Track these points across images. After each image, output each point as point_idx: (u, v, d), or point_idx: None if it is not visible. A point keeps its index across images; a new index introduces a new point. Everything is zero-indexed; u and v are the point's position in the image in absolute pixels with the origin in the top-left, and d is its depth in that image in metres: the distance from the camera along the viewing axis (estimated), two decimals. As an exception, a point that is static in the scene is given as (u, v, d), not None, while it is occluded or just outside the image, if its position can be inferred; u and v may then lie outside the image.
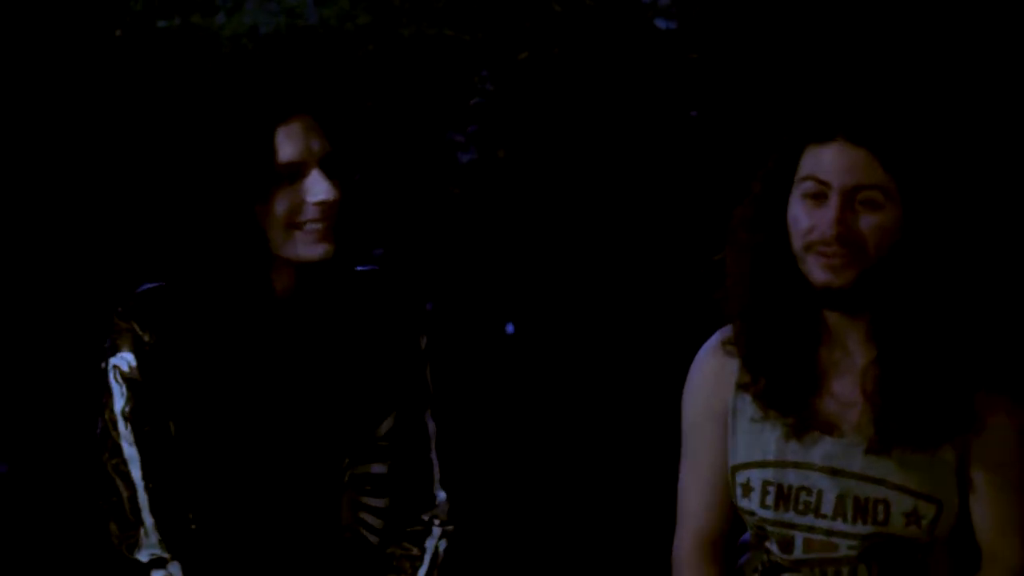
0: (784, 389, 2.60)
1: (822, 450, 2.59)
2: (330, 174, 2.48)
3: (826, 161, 2.52)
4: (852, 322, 2.59)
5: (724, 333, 2.69)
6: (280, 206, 2.46)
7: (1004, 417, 2.56)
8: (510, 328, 4.19)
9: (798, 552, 2.62)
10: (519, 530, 3.95)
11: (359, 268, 2.64)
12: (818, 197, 2.53)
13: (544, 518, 3.95)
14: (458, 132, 4.15)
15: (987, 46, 3.68)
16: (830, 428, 2.60)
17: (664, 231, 4.03)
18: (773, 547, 2.65)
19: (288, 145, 2.45)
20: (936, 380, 2.53)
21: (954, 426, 2.55)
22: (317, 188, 2.46)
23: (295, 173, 2.46)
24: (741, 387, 2.65)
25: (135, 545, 2.51)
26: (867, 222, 2.51)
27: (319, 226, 2.48)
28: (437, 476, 2.68)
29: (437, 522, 2.67)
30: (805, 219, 2.54)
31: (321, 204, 2.46)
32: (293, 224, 2.48)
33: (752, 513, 2.64)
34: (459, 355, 4.05)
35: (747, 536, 2.73)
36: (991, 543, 2.58)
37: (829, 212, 2.51)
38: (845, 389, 2.61)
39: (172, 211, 2.51)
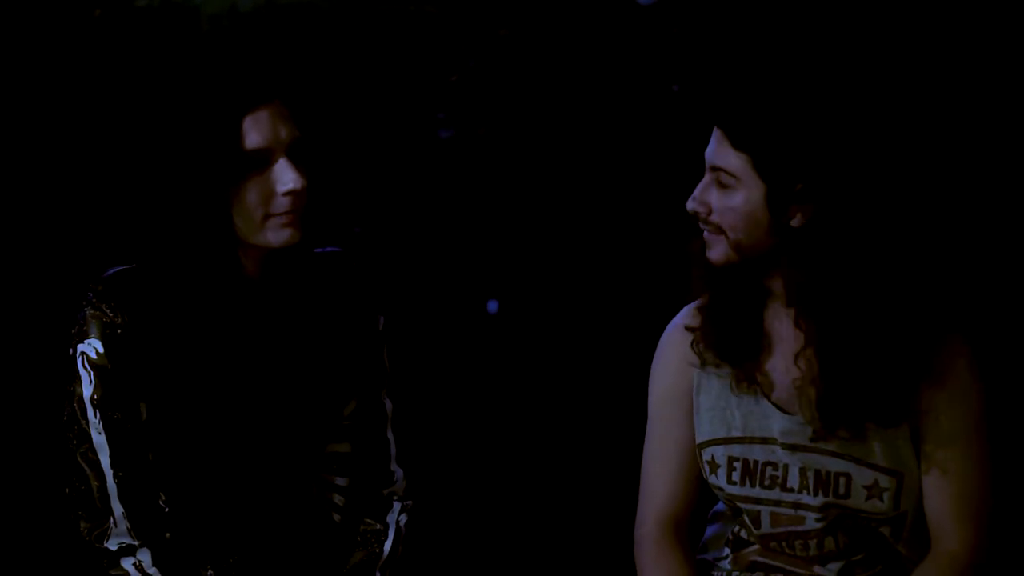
0: (732, 339, 2.59)
1: (780, 426, 2.60)
2: (297, 160, 2.49)
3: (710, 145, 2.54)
4: (782, 309, 2.59)
5: (687, 312, 2.70)
6: (250, 196, 2.47)
7: (952, 389, 2.56)
8: (493, 306, 4.18)
9: (765, 527, 2.63)
10: (499, 512, 3.95)
11: (319, 250, 2.65)
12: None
13: (526, 501, 3.95)
14: (439, 109, 4.14)
15: (850, 22, 3.68)
16: (789, 406, 2.60)
17: (648, 206, 4.02)
18: (746, 519, 2.66)
19: (254, 133, 2.46)
20: (873, 361, 2.52)
21: (899, 401, 2.54)
22: (285, 177, 2.47)
23: (262, 160, 2.47)
24: (687, 328, 2.64)
25: (104, 534, 2.52)
26: (718, 202, 2.52)
27: (287, 214, 2.48)
28: (394, 453, 2.71)
29: (396, 497, 2.70)
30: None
31: (290, 193, 2.47)
32: (263, 213, 2.49)
33: (721, 489, 2.65)
34: (440, 334, 4.04)
35: (720, 506, 2.74)
36: (936, 526, 2.59)
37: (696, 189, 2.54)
38: (791, 367, 2.60)
39: (141, 195, 2.51)
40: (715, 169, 2.51)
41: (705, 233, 2.55)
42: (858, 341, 2.51)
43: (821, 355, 2.54)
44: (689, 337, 2.66)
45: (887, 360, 2.52)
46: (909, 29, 3.71)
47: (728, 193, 2.50)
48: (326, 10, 4.00)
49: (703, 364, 2.64)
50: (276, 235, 2.50)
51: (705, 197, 2.52)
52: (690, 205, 2.53)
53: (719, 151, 2.50)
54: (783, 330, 2.61)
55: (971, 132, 3.68)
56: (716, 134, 2.51)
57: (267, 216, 2.48)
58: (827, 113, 2.47)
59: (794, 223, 2.49)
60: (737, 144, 2.48)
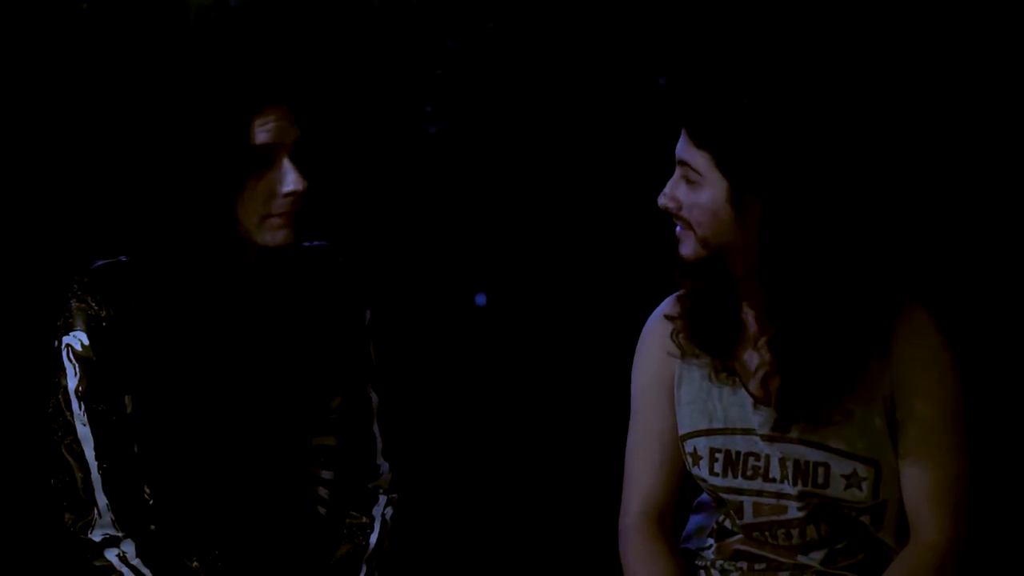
0: (709, 330, 2.60)
1: (760, 417, 2.61)
2: (299, 161, 2.51)
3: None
4: (751, 301, 2.60)
5: (668, 304, 2.71)
6: (253, 195, 2.49)
7: (921, 369, 2.56)
8: (481, 300, 4.18)
9: (748, 517, 2.64)
10: (486, 505, 3.95)
11: (306, 244, 2.66)
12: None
13: (512, 493, 3.96)
14: (427, 103, 4.14)
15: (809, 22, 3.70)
16: (764, 397, 2.61)
17: (635, 198, 4.02)
18: (729, 510, 2.67)
19: (263, 133, 2.48)
20: (818, 350, 2.53)
21: (844, 394, 2.54)
22: (288, 179, 2.49)
23: (267, 160, 2.49)
24: (667, 317, 2.66)
25: (88, 525, 2.52)
26: (687, 197, 2.54)
27: (286, 215, 2.51)
28: (380, 447, 2.71)
29: (382, 491, 2.70)
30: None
31: (291, 194, 2.49)
32: (264, 212, 2.50)
33: (704, 480, 2.66)
34: (428, 327, 4.04)
35: (704, 496, 2.75)
36: (914, 515, 2.59)
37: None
38: (768, 358, 2.61)
39: (143, 189, 2.52)
40: (682, 165, 2.53)
41: (677, 228, 2.56)
42: (805, 331, 2.52)
43: (774, 344, 2.56)
44: (670, 327, 2.67)
45: (836, 348, 2.53)
46: (858, 30, 3.73)
47: (694, 189, 2.52)
48: (319, 6, 3.99)
49: (683, 355, 2.65)
50: (272, 235, 2.51)
51: (675, 193, 2.54)
52: (660, 201, 2.55)
53: (685, 148, 2.52)
54: (756, 322, 2.62)
55: (925, 119, 3.70)
56: (684, 131, 2.53)
57: (267, 216, 2.50)
58: (784, 113, 2.49)
59: (751, 217, 2.51)
60: (699, 142, 2.49)
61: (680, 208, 2.54)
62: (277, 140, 2.49)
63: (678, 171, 2.54)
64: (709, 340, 2.61)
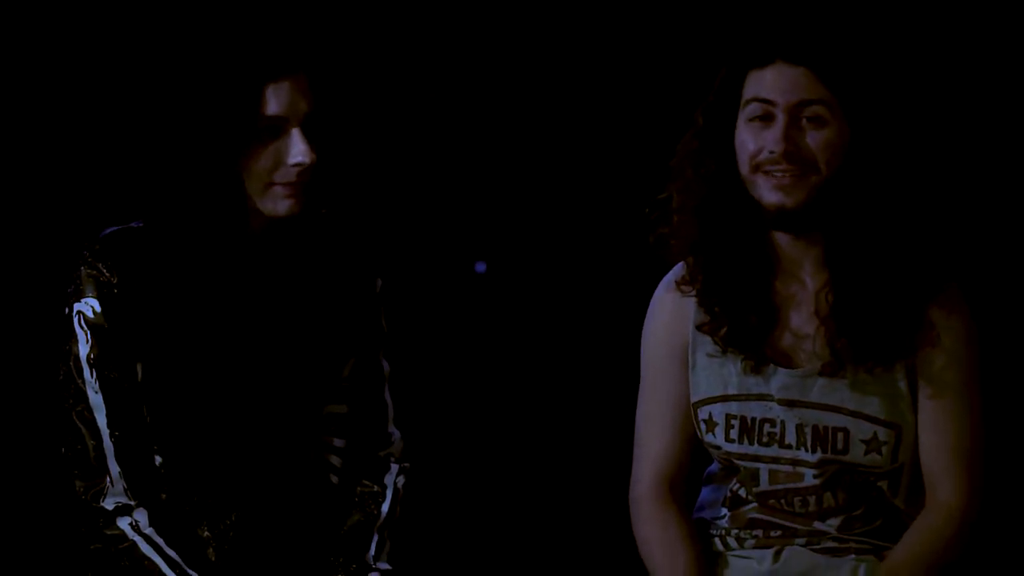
0: (743, 328, 2.61)
1: (779, 382, 2.61)
2: (310, 134, 2.50)
3: (768, 82, 2.55)
4: (806, 249, 2.62)
5: (678, 271, 2.71)
6: (260, 162, 2.49)
7: (948, 336, 2.59)
8: (481, 267, 4.17)
9: (764, 484, 2.64)
10: (486, 475, 3.96)
11: (321, 212, 2.66)
12: (765, 119, 2.56)
13: (522, 461, 3.96)
14: (431, 74, 4.13)
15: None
16: (786, 360, 2.62)
17: (639, 167, 4.01)
18: (744, 477, 2.66)
19: (274, 103, 2.48)
20: (888, 295, 2.56)
21: (906, 341, 2.57)
22: (296, 150, 2.49)
23: (276, 130, 2.49)
24: (699, 327, 2.66)
25: (100, 493, 2.52)
26: (814, 138, 2.55)
27: (292, 186, 2.50)
28: (391, 415, 2.71)
29: (393, 459, 2.70)
30: (752, 141, 2.57)
31: (299, 166, 2.49)
32: (269, 181, 2.50)
33: (718, 447, 2.66)
34: (427, 295, 4.03)
35: (714, 467, 2.75)
36: (932, 477, 2.61)
37: (776, 130, 2.53)
38: (801, 321, 2.63)
39: (154, 153, 2.52)
40: (804, 105, 2.54)
41: (775, 179, 2.55)
42: (884, 267, 2.56)
43: (840, 290, 2.58)
44: (682, 297, 2.67)
45: (906, 284, 2.57)
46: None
47: (823, 129, 2.55)
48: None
49: (723, 351, 2.65)
50: (278, 204, 2.51)
51: (793, 136, 2.54)
52: (778, 146, 2.53)
53: (810, 88, 2.53)
54: (795, 292, 2.63)
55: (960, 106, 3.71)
56: (795, 74, 2.54)
57: (271, 184, 2.50)
58: (889, 47, 2.54)
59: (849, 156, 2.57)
60: (828, 81, 2.53)
61: (800, 151, 2.54)
62: (289, 110, 2.48)
63: (787, 117, 2.54)
64: (746, 340, 2.62)
